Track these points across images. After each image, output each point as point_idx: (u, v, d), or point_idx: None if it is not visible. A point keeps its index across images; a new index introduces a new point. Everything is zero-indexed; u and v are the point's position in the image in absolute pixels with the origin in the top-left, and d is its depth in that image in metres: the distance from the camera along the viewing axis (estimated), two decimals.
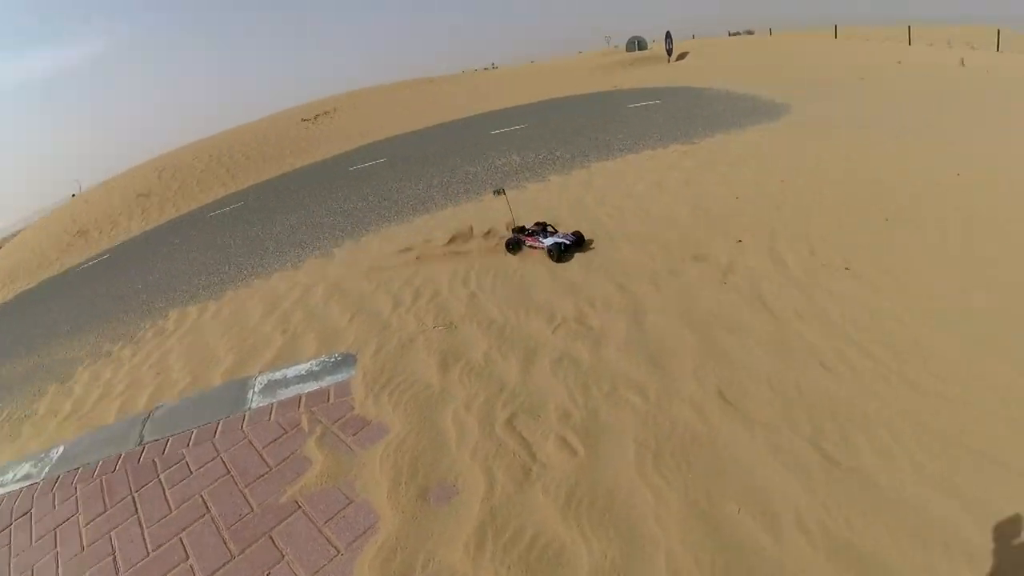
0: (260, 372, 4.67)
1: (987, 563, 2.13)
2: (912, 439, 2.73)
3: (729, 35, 46.97)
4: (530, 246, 5.72)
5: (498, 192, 6.25)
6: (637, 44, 31.94)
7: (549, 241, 5.51)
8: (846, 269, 4.42)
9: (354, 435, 3.55)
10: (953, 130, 8.48)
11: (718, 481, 2.65)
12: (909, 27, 28.70)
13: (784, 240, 5.07)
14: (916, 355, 3.33)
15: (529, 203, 7.40)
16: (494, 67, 54.49)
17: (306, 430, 3.70)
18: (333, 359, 4.60)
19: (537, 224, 5.97)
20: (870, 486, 2.51)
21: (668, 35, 27.89)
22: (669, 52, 27.48)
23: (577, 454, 2.95)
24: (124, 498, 3.51)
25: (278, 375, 4.56)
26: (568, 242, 5.46)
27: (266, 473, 3.37)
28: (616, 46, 37.76)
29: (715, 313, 4.06)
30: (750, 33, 46.86)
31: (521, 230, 5.96)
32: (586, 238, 5.70)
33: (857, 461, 2.65)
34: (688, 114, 12.17)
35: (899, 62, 18.09)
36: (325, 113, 27.50)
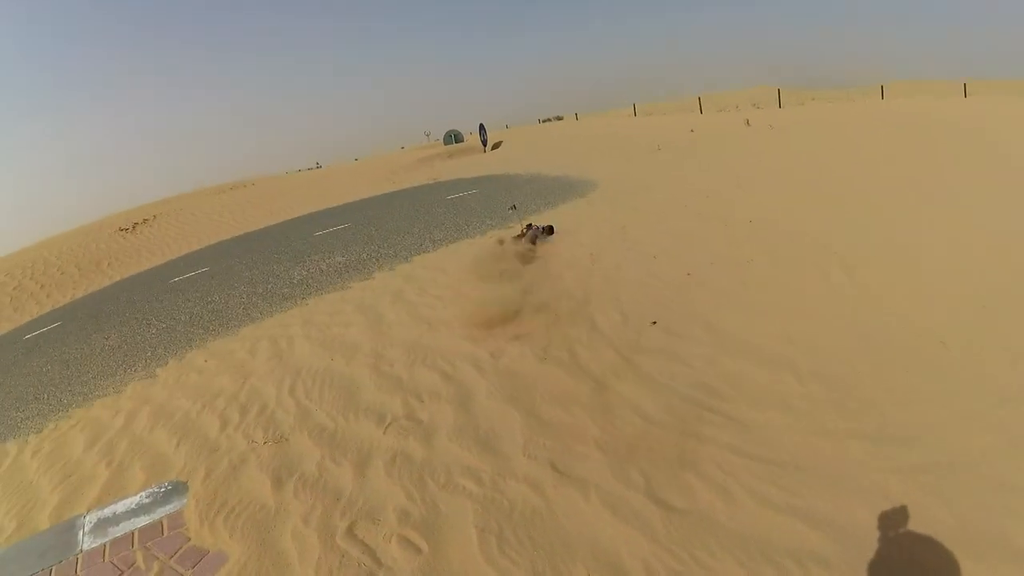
0: (89, 510, 4.05)
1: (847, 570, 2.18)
2: (745, 470, 2.80)
3: (540, 122, 48.97)
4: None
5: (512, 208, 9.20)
6: (454, 137, 32.63)
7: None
8: (653, 323, 4.66)
9: (193, 567, 3.14)
10: (744, 185, 9.42)
11: (564, 551, 2.54)
12: (699, 98, 31.80)
13: (597, 308, 5.20)
14: (733, 391, 3.50)
15: (353, 301, 7.21)
16: (318, 166, 53.07)
17: (143, 568, 3.27)
18: (163, 489, 4.08)
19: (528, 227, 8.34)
20: (711, 523, 2.53)
21: (481, 127, 28.24)
22: (484, 143, 27.71)
23: (421, 551, 2.74)
24: None
25: (108, 512, 3.96)
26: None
27: None
28: (436, 140, 38.40)
29: (538, 387, 4.05)
30: (559, 119, 49.56)
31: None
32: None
33: (693, 502, 2.67)
34: (503, 201, 12.27)
35: (692, 130, 19.71)
36: (144, 221, 25.69)
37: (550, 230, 8.22)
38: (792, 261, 5.66)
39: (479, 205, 12.48)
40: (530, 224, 8.52)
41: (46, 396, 7.13)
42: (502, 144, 28.41)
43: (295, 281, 9.34)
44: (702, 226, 7.38)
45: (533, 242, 7.81)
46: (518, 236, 8.17)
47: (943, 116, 14.28)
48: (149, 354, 7.58)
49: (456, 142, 32.32)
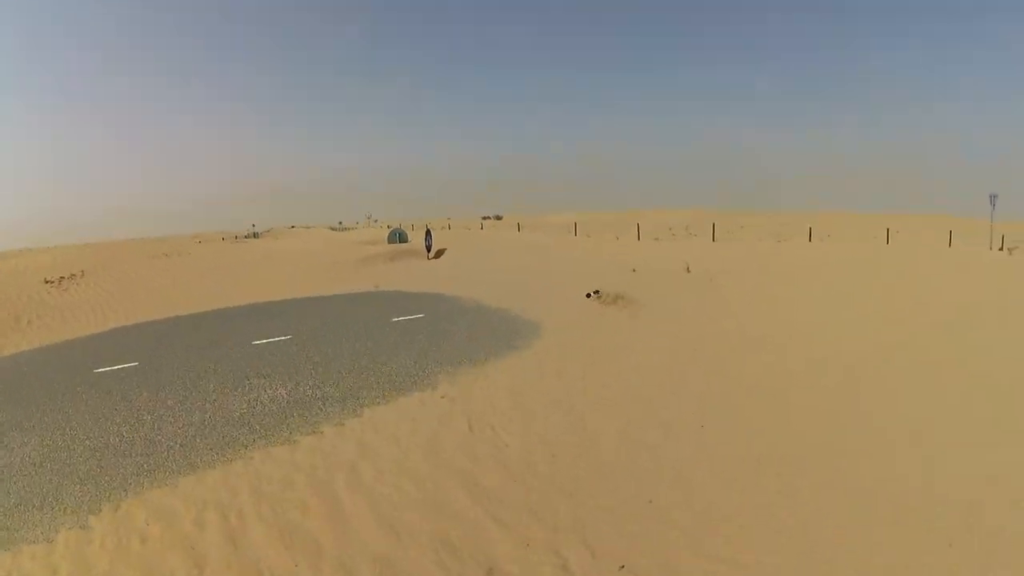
0: None
1: None
2: None
3: (482, 220, 53.62)
4: None
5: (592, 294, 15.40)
6: (398, 236, 34.46)
7: None
8: (621, 568, 4.92)
9: None
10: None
11: None
12: (638, 224, 35.36)
13: (565, 541, 5.34)
14: None
15: (305, 469, 7.07)
16: (255, 235, 54.52)
17: None
18: None
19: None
20: None
21: (428, 232, 30.40)
22: (428, 248, 29.47)
23: None
24: None
25: None
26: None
27: None
28: (376, 220, 39.62)
29: None
30: (499, 218, 55.10)
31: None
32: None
33: None
34: (448, 338, 13.10)
35: (633, 270, 20.98)
36: (72, 276, 24.94)
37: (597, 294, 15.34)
38: (748, 488, 6.01)
39: (426, 339, 13.06)
40: (597, 290, 15.37)
41: None
42: (445, 252, 29.51)
43: (235, 417, 9.05)
44: (657, 418, 7.86)
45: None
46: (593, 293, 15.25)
47: (872, 268, 16.44)
48: (78, 488, 7.01)
49: (400, 242, 33.40)
